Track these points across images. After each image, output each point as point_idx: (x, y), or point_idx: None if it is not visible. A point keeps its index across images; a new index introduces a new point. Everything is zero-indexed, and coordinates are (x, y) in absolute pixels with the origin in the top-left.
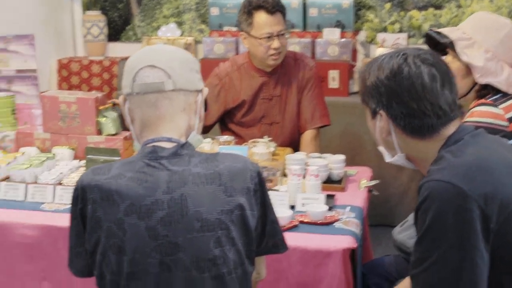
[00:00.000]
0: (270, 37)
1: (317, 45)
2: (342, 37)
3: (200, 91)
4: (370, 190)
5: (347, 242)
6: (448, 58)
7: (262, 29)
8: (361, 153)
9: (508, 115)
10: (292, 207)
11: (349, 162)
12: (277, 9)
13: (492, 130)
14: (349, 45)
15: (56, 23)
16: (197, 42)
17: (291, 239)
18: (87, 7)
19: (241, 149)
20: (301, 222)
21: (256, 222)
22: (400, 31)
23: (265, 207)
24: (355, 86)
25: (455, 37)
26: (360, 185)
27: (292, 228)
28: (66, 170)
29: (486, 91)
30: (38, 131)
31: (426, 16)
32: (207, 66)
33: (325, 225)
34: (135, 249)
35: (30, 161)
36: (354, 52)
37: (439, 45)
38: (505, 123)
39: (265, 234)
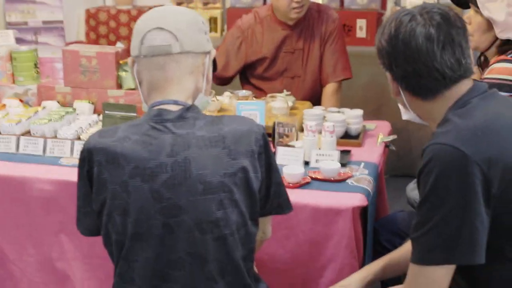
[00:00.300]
0: None
1: None
2: None
3: (208, 52)
4: (387, 145)
5: (358, 199)
6: (470, 12)
7: None
8: (387, 104)
9: None
10: (307, 163)
11: (375, 113)
12: None
13: (510, 87)
14: None
15: None
16: None
17: (303, 196)
18: None
19: (258, 103)
20: (314, 179)
21: (260, 184)
22: None
23: (270, 169)
24: None
25: None
26: (378, 141)
27: (305, 185)
28: (85, 124)
29: (508, 46)
30: (59, 85)
31: None
32: (234, 16)
33: (338, 182)
34: (139, 211)
35: (49, 115)
36: (384, 0)
37: None
38: None
39: (270, 196)
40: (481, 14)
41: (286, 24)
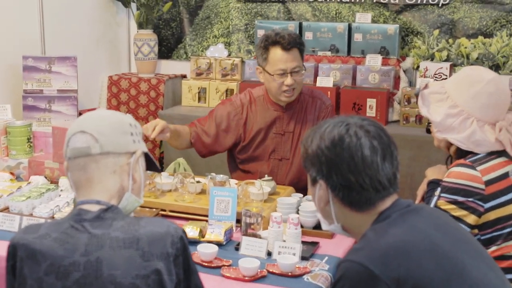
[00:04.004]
0: (283, 73)
1: (358, 72)
2: (385, 63)
3: (134, 152)
4: None
5: None
6: None
7: (275, 65)
8: None
9: (486, 178)
10: (270, 254)
11: None
12: (293, 45)
13: (468, 192)
14: (390, 73)
15: (112, 39)
16: (244, 62)
17: None
18: (140, 25)
19: (230, 190)
20: (271, 272)
21: (176, 286)
22: (447, 59)
23: (189, 271)
24: (394, 115)
25: (429, 91)
26: None
27: (260, 278)
28: (62, 203)
29: (466, 150)
30: (49, 160)
31: (476, 44)
32: (246, 88)
33: (294, 277)
34: None
35: (30, 192)
36: (398, 79)
37: None
38: (482, 186)
39: None
40: None
41: (278, 105)
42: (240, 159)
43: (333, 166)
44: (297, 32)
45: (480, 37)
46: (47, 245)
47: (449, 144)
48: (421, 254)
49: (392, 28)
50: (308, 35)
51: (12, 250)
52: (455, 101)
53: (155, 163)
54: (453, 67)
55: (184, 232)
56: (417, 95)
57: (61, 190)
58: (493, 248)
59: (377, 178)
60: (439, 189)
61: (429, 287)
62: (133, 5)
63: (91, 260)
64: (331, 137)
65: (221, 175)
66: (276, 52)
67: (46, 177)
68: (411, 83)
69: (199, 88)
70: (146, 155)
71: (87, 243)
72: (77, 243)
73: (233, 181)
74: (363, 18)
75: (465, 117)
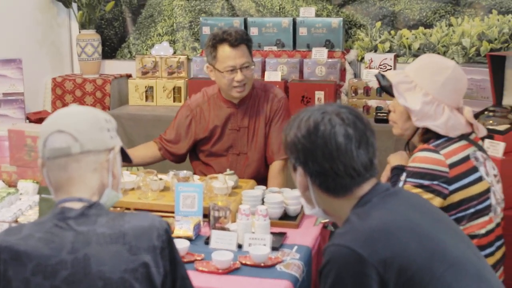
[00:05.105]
0: (233, 70)
1: (305, 65)
2: (330, 56)
3: (112, 149)
4: (325, 226)
5: (283, 287)
6: (394, 101)
7: (225, 63)
8: None
9: (449, 161)
10: (240, 246)
11: None
12: (241, 41)
13: (433, 176)
14: (336, 65)
15: (54, 41)
16: (190, 60)
17: (229, 283)
18: (82, 26)
19: (196, 186)
20: (244, 264)
21: (164, 278)
22: (390, 50)
23: (174, 263)
24: None
25: (396, 81)
26: (316, 221)
27: (234, 270)
28: (25, 206)
29: (430, 135)
30: (6, 164)
31: (417, 34)
32: (195, 85)
33: (268, 267)
34: None
35: None
36: (344, 71)
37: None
38: (446, 169)
39: None
40: None
41: (231, 102)
42: (201, 151)
43: (309, 154)
44: (243, 28)
45: (421, 28)
46: (32, 246)
47: (414, 132)
48: (404, 235)
49: (336, 21)
50: (253, 31)
51: None
52: (425, 89)
53: (127, 155)
54: (396, 58)
55: (168, 224)
56: (377, 78)
57: (21, 194)
58: (460, 228)
59: (352, 165)
60: (404, 174)
61: (413, 267)
62: (74, 6)
63: (78, 258)
64: (307, 125)
65: (185, 171)
66: (225, 50)
67: (3, 181)
68: (356, 75)
69: (146, 87)
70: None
71: (73, 240)
72: (63, 241)
73: (196, 177)
74: (307, 13)
75: (437, 104)
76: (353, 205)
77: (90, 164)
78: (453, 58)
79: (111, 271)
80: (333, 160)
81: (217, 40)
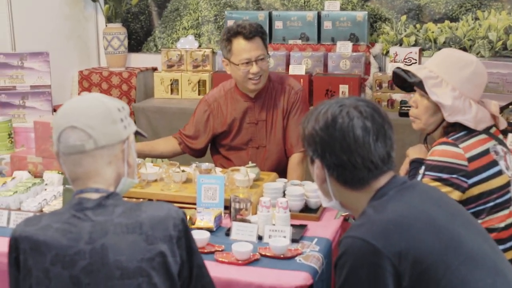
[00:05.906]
0: (248, 62)
1: (329, 59)
2: (355, 50)
3: (127, 139)
4: (346, 218)
5: (302, 278)
6: (416, 96)
7: (240, 55)
8: None
9: (468, 154)
10: (261, 238)
11: None
12: (255, 34)
13: (452, 169)
14: (361, 59)
15: (81, 35)
16: (215, 53)
17: (248, 274)
18: (109, 19)
19: (218, 178)
20: (264, 255)
21: (181, 267)
22: (415, 43)
23: (191, 252)
24: None
25: (423, 76)
26: (337, 214)
27: (253, 262)
28: (50, 196)
29: (453, 128)
30: (32, 154)
31: (442, 28)
32: (219, 79)
33: (287, 259)
34: None
35: (16, 187)
36: (368, 65)
37: (406, 83)
38: (465, 163)
39: (192, 278)
40: (427, 98)
41: (247, 96)
42: (221, 145)
43: (327, 146)
44: (267, 21)
45: (447, 22)
46: (51, 236)
47: (437, 127)
48: (420, 228)
49: (361, 15)
50: (278, 24)
51: (14, 243)
52: (452, 84)
53: (140, 131)
54: (421, 52)
55: (184, 214)
56: (397, 73)
57: (46, 184)
58: (479, 221)
59: (369, 158)
60: (423, 168)
61: (428, 260)
62: (101, 0)
63: (96, 248)
64: (325, 118)
65: (207, 164)
66: (239, 43)
67: (29, 172)
68: (381, 69)
69: (171, 80)
70: None
71: (91, 231)
72: (81, 232)
73: (218, 169)
74: (332, 6)
75: (464, 99)
76: (370, 198)
77: (105, 158)
78: (479, 52)
79: (128, 260)
80: (351, 152)
81: (232, 33)
